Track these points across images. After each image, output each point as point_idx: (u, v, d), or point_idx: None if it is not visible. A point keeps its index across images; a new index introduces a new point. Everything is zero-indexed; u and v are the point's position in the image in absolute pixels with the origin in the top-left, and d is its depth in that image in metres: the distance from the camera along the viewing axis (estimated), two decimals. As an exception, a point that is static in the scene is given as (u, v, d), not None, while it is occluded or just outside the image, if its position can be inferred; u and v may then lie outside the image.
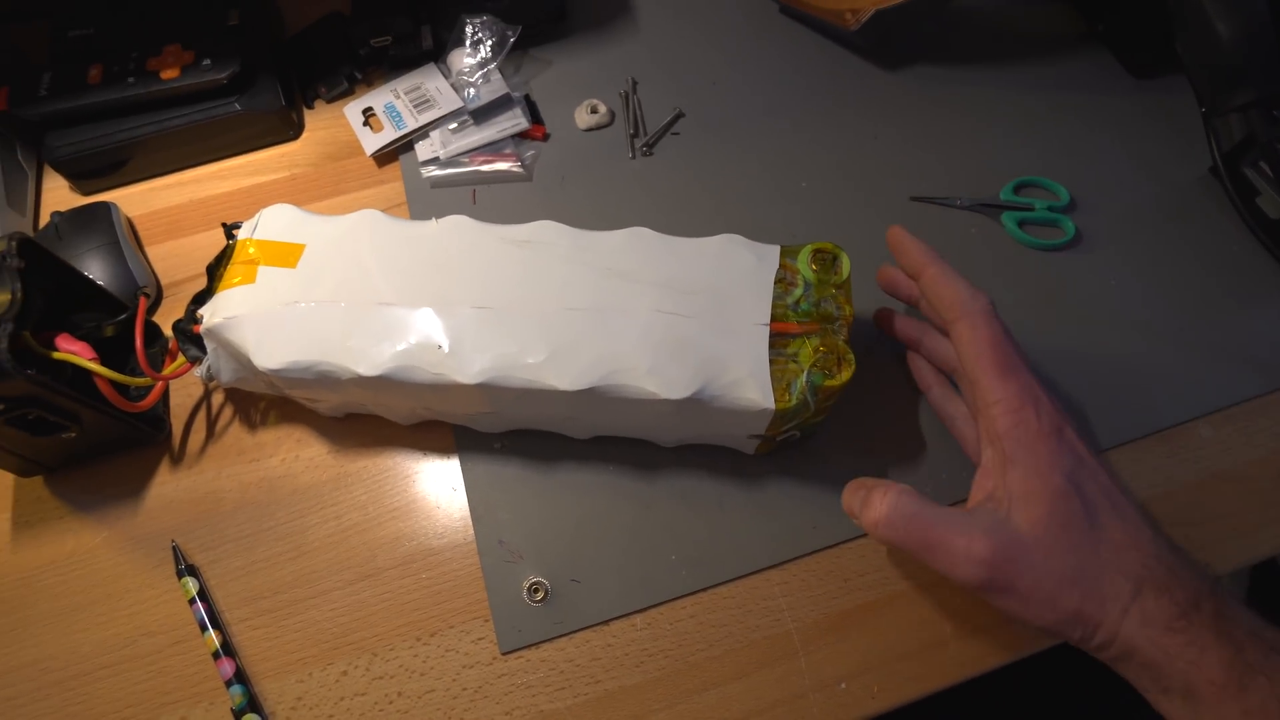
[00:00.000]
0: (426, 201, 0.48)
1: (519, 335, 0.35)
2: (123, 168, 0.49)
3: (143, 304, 0.39)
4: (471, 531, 0.39)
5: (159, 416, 0.42)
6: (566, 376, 0.34)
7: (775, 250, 0.38)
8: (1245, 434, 0.40)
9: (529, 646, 0.36)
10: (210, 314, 0.37)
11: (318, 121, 0.53)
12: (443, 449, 0.41)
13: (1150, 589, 0.29)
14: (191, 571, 0.38)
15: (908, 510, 0.32)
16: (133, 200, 0.50)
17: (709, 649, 0.36)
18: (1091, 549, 0.30)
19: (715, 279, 0.37)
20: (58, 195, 0.50)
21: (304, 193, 0.50)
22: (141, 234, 0.49)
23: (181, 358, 0.39)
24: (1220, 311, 0.44)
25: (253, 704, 0.35)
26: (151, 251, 0.48)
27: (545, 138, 0.50)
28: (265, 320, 0.36)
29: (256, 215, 0.40)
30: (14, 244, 0.35)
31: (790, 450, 0.40)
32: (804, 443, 0.40)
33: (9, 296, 0.34)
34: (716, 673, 0.36)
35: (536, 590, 0.37)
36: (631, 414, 0.36)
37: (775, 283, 0.37)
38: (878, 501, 0.33)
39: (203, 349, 0.38)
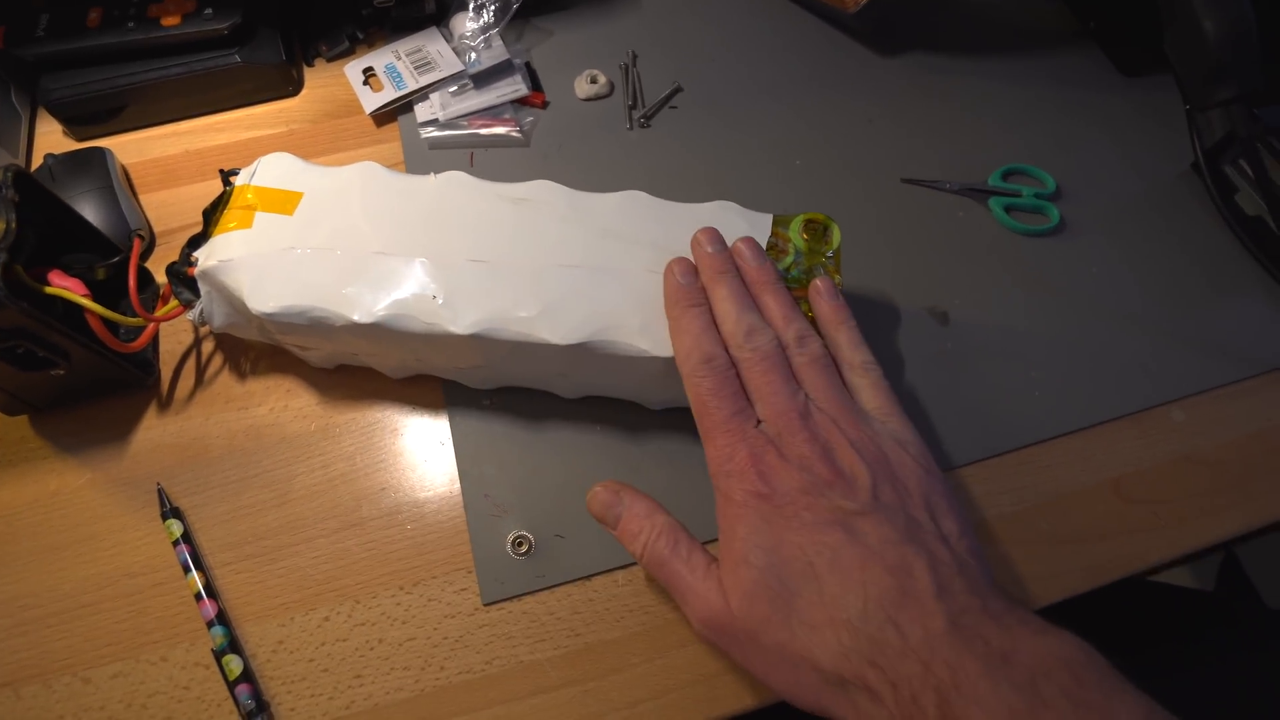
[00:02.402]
0: (424, 162, 0.49)
1: (513, 289, 0.36)
2: (118, 115, 0.49)
3: (137, 245, 0.39)
4: (458, 485, 0.39)
5: (148, 360, 0.42)
6: (559, 331, 0.35)
7: (768, 218, 0.39)
8: (1216, 419, 0.41)
9: (511, 599, 0.37)
10: (206, 256, 0.37)
11: (317, 79, 0.53)
12: (432, 404, 0.41)
13: (855, 685, 0.26)
14: (176, 514, 0.38)
15: (659, 557, 0.32)
16: (127, 148, 0.49)
17: (688, 606, 0.37)
18: (786, 630, 0.27)
19: (709, 243, 0.37)
20: (51, 140, 0.50)
21: (301, 148, 0.50)
22: (135, 182, 0.49)
23: (174, 301, 0.39)
24: (1196, 302, 0.45)
25: (233, 645, 0.36)
26: (145, 200, 0.48)
27: (544, 105, 0.51)
28: (261, 264, 0.36)
29: (255, 162, 0.40)
30: (9, 174, 0.34)
31: (775, 417, 0.40)
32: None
33: (3, 226, 0.34)
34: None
35: (520, 544, 0.38)
36: (621, 372, 0.37)
37: (767, 249, 0.37)
38: (635, 534, 0.32)
39: (196, 292, 0.38)
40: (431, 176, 0.39)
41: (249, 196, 0.39)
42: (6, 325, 0.34)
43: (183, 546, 0.37)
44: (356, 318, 0.35)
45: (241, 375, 0.42)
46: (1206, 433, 0.41)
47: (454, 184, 0.39)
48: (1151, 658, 0.53)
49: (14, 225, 0.34)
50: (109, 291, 0.40)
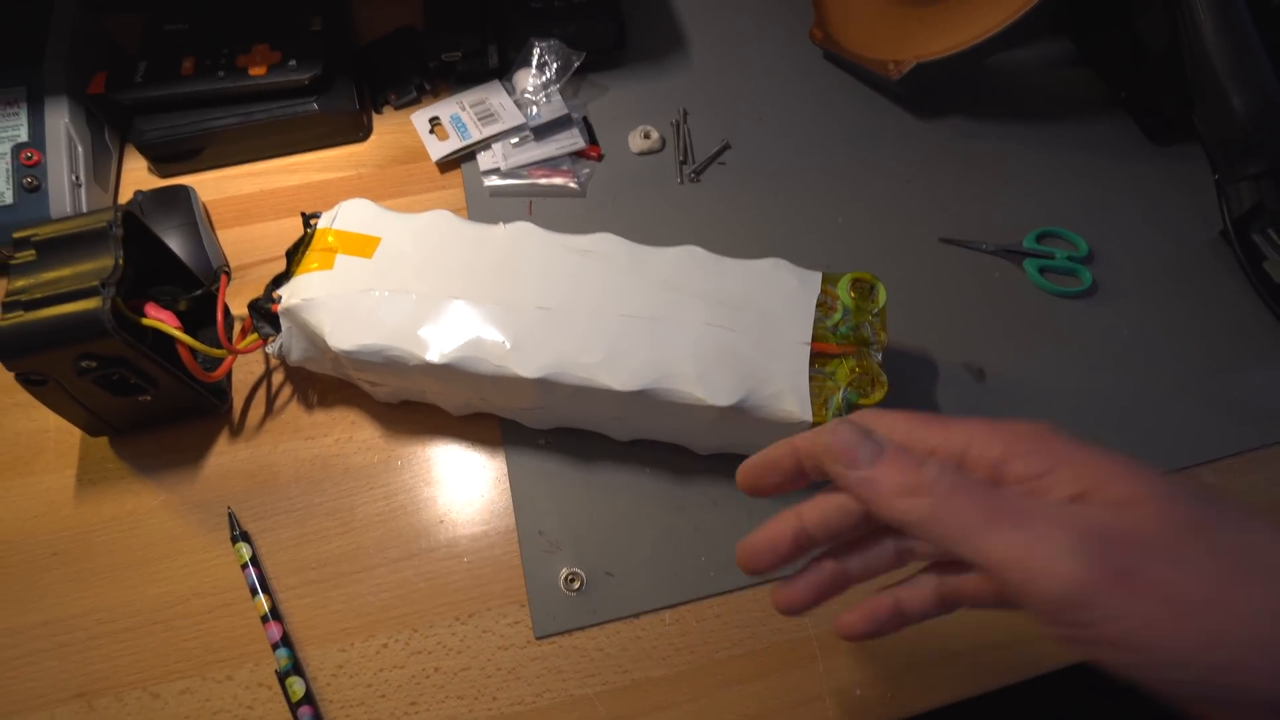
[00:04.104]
0: (485, 208, 0.51)
1: (577, 336, 0.38)
2: (199, 154, 0.52)
3: (224, 282, 0.41)
4: (513, 520, 0.41)
5: (223, 389, 0.44)
6: (620, 377, 0.37)
7: (818, 276, 0.41)
8: (1246, 482, 0.43)
9: (562, 633, 0.38)
10: (289, 295, 0.40)
11: (385, 126, 0.56)
12: (490, 441, 0.43)
13: None
14: (245, 538, 0.40)
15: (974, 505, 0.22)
16: (206, 186, 0.52)
17: (733, 648, 0.38)
18: None
19: (761, 298, 0.39)
20: (136, 176, 0.53)
21: (368, 192, 0.52)
22: (213, 218, 0.51)
23: (254, 334, 0.41)
24: (1225, 366, 0.46)
25: (296, 668, 0.37)
26: (221, 235, 0.51)
27: (600, 158, 0.53)
28: (342, 305, 0.39)
29: (336, 207, 0.43)
30: (119, 215, 0.37)
31: (818, 465, 0.42)
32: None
33: (112, 262, 0.36)
34: (739, 671, 0.37)
35: (573, 580, 0.39)
36: (675, 418, 0.39)
37: (816, 306, 0.39)
38: (906, 468, 0.23)
39: (276, 327, 0.41)
40: (501, 226, 0.42)
41: (330, 239, 0.41)
42: (108, 354, 0.36)
43: (251, 570, 0.39)
44: (430, 358, 0.37)
45: (309, 406, 0.44)
46: (1239, 495, 0.42)
47: (522, 234, 0.41)
48: None
49: (121, 262, 0.36)
50: (188, 321, 0.43)
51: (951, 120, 0.56)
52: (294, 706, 0.36)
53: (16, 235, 0.37)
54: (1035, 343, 0.47)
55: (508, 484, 0.42)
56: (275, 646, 0.37)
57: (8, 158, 0.47)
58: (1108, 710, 0.56)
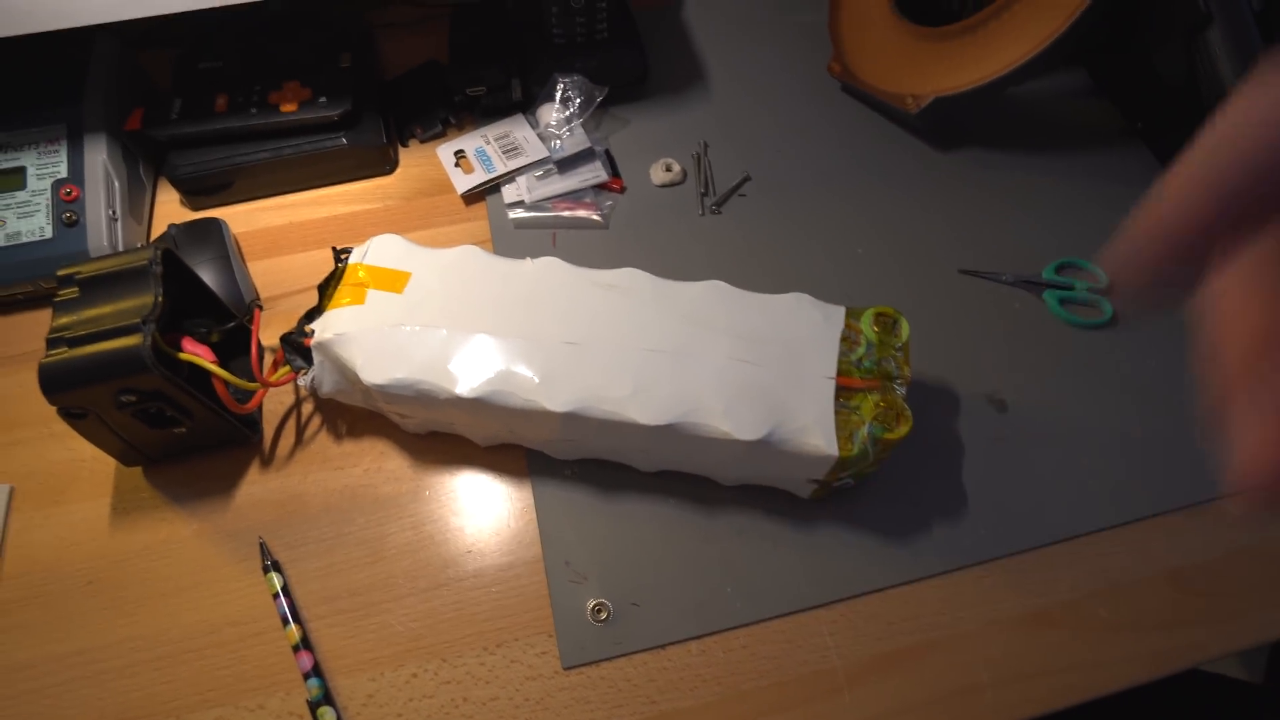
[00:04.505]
0: (509, 240, 0.52)
1: (604, 371, 0.38)
2: (230, 188, 0.53)
3: (258, 316, 0.42)
4: (539, 550, 0.41)
5: (254, 420, 0.45)
6: (647, 412, 0.37)
7: (841, 311, 0.41)
8: (1271, 515, 0.43)
9: (590, 664, 0.38)
10: (322, 329, 0.41)
11: (411, 159, 0.57)
12: (516, 471, 0.44)
13: None
14: (276, 567, 0.41)
15: None
16: (236, 218, 0.54)
17: (759, 679, 0.38)
18: None
19: (786, 332, 0.40)
20: (168, 209, 0.55)
21: (395, 224, 0.54)
22: (243, 250, 0.53)
23: (286, 367, 0.42)
24: (1248, 398, 0.46)
25: (327, 697, 0.38)
26: (251, 267, 0.52)
27: (622, 190, 0.54)
28: (373, 339, 0.40)
29: (367, 243, 0.43)
30: (159, 253, 0.38)
31: (842, 497, 0.42)
32: (855, 491, 0.42)
33: (152, 299, 0.37)
34: (765, 702, 0.38)
35: (600, 610, 0.39)
36: (701, 451, 0.39)
37: (840, 340, 0.40)
38: None
39: (308, 360, 0.42)
40: (528, 261, 0.43)
41: (361, 274, 0.42)
42: (148, 389, 0.37)
43: (282, 599, 0.40)
44: (460, 392, 0.38)
45: (338, 437, 0.45)
46: (1264, 528, 0.42)
47: (549, 269, 0.42)
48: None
49: (160, 299, 0.37)
50: (219, 352, 0.44)
51: (969, 151, 0.57)
52: (325, 737, 0.36)
53: (61, 273, 0.38)
54: (1057, 374, 0.47)
55: (534, 514, 0.42)
56: (307, 676, 0.38)
57: (48, 194, 0.48)
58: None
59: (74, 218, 0.48)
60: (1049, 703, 0.37)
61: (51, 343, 0.36)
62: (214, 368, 0.39)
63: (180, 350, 0.39)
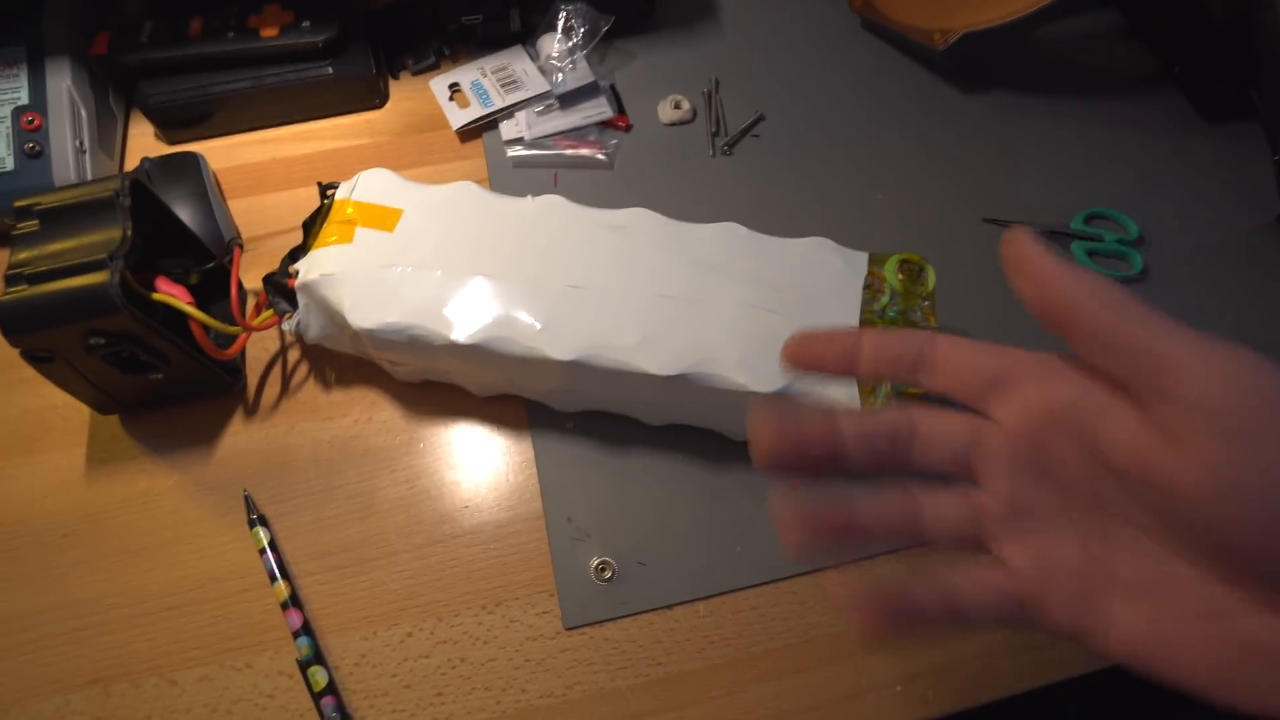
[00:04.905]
0: (508, 180, 0.49)
1: (611, 317, 0.36)
2: (208, 120, 0.50)
3: (238, 255, 0.39)
4: (540, 506, 0.39)
5: (237, 367, 0.42)
6: (657, 361, 0.35)
7: (864, 257, 0.39)
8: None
9: (593, 624, 0.37)
10: (306, 269, 0.38)
11: (402, 92, 0.53)
12: (515, 424, 0.42)
13: None
14: (262, 521, 0.39)
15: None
16: (216, 153, 0.50)
17: (769, 641, 0.37)
18: None
19: (804, 279, 0.38)
20: (143, 143, 0.51)
21: (385, 161, 0.50)
22: (224, 187, 0.49)
23: (269, 310, 0.40)
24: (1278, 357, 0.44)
25: (318, 656, 0.36)
26: (232, 205, 0.49)
27: (628, 128, 0.51)
28: (362, 280, 0.37)
29: (355, 177, 0.40)
30: (127, 184, 0.35)
31: (858, 454, 0.40)
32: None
33: (119, 234, 0.34)
34: (775, 665, 0.36)
35: (604, 569, 0.38)
36: (713, 403, 0.37)
37: (864, 289, 0.37)
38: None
39: (293, 303, 0.39)
40: (529, 199, 0.40)
41: (349, 211, 0.39)
42: (118, 330, 0.34)
43: (269, 554, 0.38)
44: (456, 338, 0.36)
45: (326, 385, 0.43)
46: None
47: (552, 208, 0.39)
48: None
49: (129, 233, 0.34)
50: (200, 295, 0.41)
51: (995, 95, 0.54)
52: (317, 697, 0.35)
53: (18, 204, 0.35)
54: (1083, 329, 0.45)
55: (534, 469, 0.40)
56: (296, 634, 0.36)
57: (8, 121, 0.44)
58: (1148, 709, 0.55)
59: (37, 148, 0.44)
60: (1062, 670, 0.36)
61: (10, 279, 0.33)
62: (189, 309, 0.36)
63: (154, 291, 0.37)
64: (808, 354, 0.25)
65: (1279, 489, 0.19)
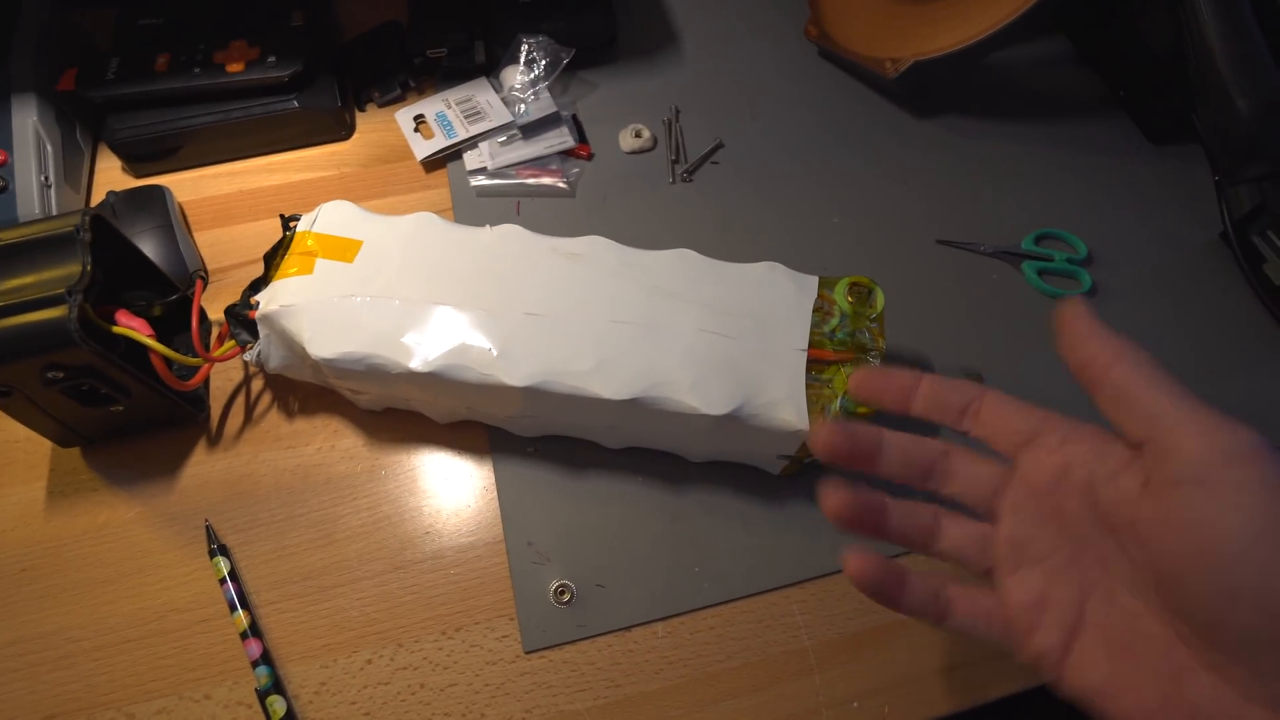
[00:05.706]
0: (472, 209, 0.50)
1: (567, 343, 0.37)
2: (176, 154, 0.51)
3: (199, 287, 0.40)
4: (501, 531, 0.40)
5: (199, 397, 0.42)
6: (611, 386, 0.36)
7: (814, 280, 0.40)
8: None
9: (552, 647, 0.37)
10: (267, 300, 0.38)
11: (368, 124, 0.54)
12: (477, 449, 0.42)
13: None
14: (223, 551, 0.39)
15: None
16: (183, 186, 0.51)
17: (727, 660, 0.37)
18: None
19: (757, 304, 0.38)
20: (110, 176, 0.52)
21: (351, 192, 0.51)
22: (190, 220, 0.50)
23: (231, 341, 0.40)
24: (1223, 370, 0.46)
25: (277, 686, 0.36)
26: (198, 237, 0.49)
27: (590, 157, 0.52)
28: (321, 311, 0.37)
29: (316, 209, 0.41)
30: (87, 219, 0.36)
31: (813, 474, 0.41)
32: (826, 468, 0.41)
33: (79, 269, 0.35)
34: (734, 684, 0.36)
35: (563, 592, 0.38)
36: (668, 427, 0.38)
37: (813, 311, 0.38)
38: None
39: (254, 334, 0.39)
40: (487, 229, 0.41)
41: (309, 243, 0.40)
42: (76, 364, 0.35)
43: (229, 584, 0.38)
44: (414, 366, 0.36)
45: (289, 414, 0.43)
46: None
47: (509, 237, 0.40)
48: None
49: (89, 268, 0.35)
50: (163, 328, 0.42)
51: (948, 119, 0.55)
52: (274, 727, 0.35)
53: (-23, 239, 0.36)
54: (1034, 346, 0.46)
55: (495, 494, 0.41)
56: (255, 664, 0.36)
57: (-26, 157, 0.45)
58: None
59: (2, 183, 0.45)
60: (1020, 681, 0.37)
61: (-32, 315, 0.34)
62: (149, 341, 0.37)
63: (114, 324, 0.37)
64: (870, 386, 0.29)
65: (1238, 563, 0.21)
